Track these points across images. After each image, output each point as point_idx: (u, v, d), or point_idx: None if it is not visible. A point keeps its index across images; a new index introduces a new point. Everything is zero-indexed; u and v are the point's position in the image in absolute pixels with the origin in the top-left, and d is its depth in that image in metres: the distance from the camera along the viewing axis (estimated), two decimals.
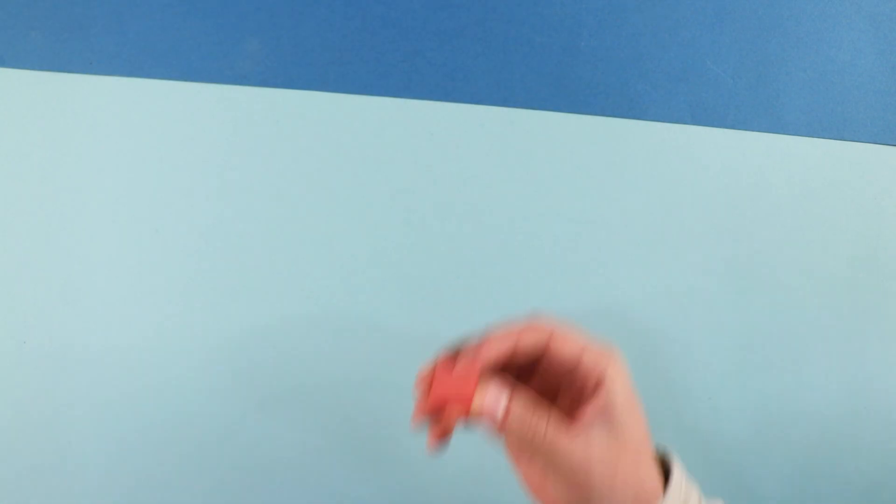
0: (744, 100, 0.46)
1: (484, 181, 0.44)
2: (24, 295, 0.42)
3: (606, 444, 0.31)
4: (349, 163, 0.44)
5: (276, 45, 0.44)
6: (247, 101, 0.44)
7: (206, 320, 0.43)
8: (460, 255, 0.44)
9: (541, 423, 0.30)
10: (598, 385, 0.32)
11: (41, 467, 0.42)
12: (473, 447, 0.44)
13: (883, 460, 0.45)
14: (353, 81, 0.44)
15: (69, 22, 0.43)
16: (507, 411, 0.30)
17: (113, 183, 0.43)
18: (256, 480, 0.43)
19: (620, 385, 0.32)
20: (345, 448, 0.44)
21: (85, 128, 0.43)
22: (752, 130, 0.46)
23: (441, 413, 0.31)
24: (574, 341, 0.33)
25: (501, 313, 0.42)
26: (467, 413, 0.30)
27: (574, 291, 0.44)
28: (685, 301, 0.45)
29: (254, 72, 0.44)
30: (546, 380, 0.34)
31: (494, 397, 0.30)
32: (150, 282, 0.43)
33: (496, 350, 0.31)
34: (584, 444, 0.31)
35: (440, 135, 0.44)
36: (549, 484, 0.33)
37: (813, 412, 0.45)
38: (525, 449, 0.31)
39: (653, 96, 0.45)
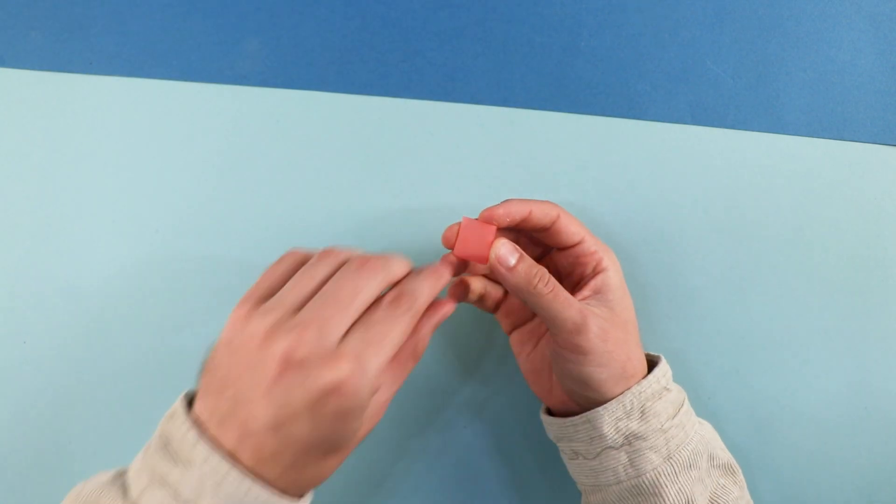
0: (744, 100, 0.46)
1: (484, 181, 0.44)
2: (24, 295, 0.42)
3: (600, 311, 0.35)
4: (349, 163, 0.44)
5: (276, 45, 0.44)
6: (247, 101, 0.44)
7: (206, 319, 0.43)
8: None
9: (543, 273, 0.34)
10: (595, 271, 0.36)
11: (41, 467, 0.42)
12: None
13: (883, 460, 0.45)
14: (353, 81, 0.44)
15: (69, 22, 0.43)
16: (519, 260, 0.34)
17: (113, 183, 0.43)
18: None
19: (614, 272, 0.37)
20: None
21: (85, 128, 0.43)
22: (752, 130, 0.46)
23: (465, 263, 0.36)
24: (579, 224, 0.37)
25: None
26: (485, 260, 0.35)
27: None
28: (685, 301, 0.45)
29: (254, 72, 0.44)
30: (549, 266, 0.38)
31: (508, 249, 0.34)
32: (150, 282, 0.43)
33: (514, 210, 0.35)
34: (581, 303, 0.35)
35: (440, 135, 0.44)
36: (546, 366, 0.38)
37: (813, 412, 0.45)
38: (527, 299, 0.34)
39: (653, 96, 0.45)
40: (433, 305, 0.33)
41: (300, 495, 0.30)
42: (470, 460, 0.44)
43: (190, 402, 0.31)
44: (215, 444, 0.28)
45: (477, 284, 0.38)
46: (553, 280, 0.34)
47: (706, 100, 0.45)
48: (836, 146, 0.46)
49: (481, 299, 0.39)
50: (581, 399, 0.36)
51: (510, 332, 0.40)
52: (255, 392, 0.28)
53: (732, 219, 0.45)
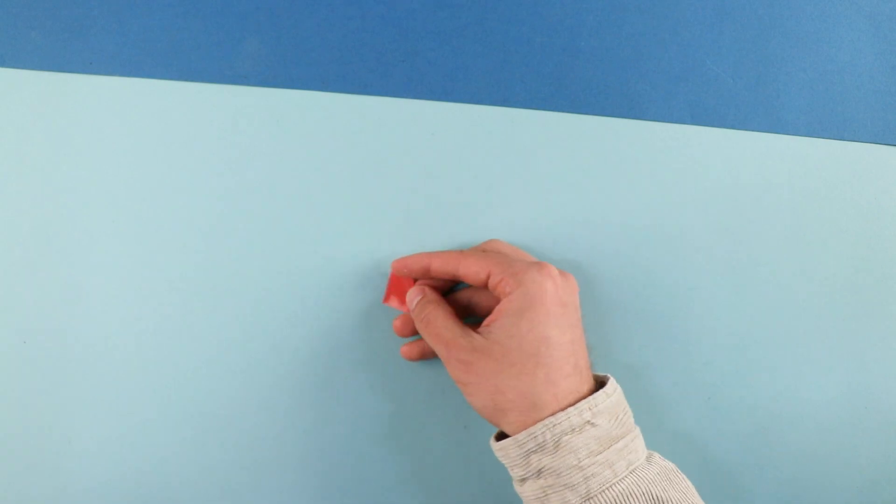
0: (744, 100, 0.46)
1: (484, 181, 0.44)
2: (24, 295, 0.42)
3: (471, 342, 0.35)
4: (349, 163, 0.44)
5: (276, 45, 0.44)
6: (247, 101, 0.44)
7: (206, 320, 0.43)
8: None
9: (435, 312, 0.37)
10: (500, 298, 0.36)
11: (41, 467, 0.42)
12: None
13: (883, 460, 0.45)
14: (353, 81, 0.44)
15: (69, 22, 0.43)
16: (417, 304, 0.39)
17: (113, 183, 0.43)
18: (262, 477, 0.43)
19: (517, 296, 0.34)
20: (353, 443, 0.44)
21: (85, 128, 0.43)
22: (752, 130, 0.46)
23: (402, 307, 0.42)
24: (481, 262, 0.37)
25: None
26: (405, 305, 0.41)
27: None
28: (685, 301, 0.45)
29: (254, 72, 0.44)
30: (486, 302, 0.41)
31: (412, 295, 0.40)
32: (151, 282, 0.43)
33: (410, 263, 0.40)
34: (453, 335, 0.36)
35: (440, 135, 0.44)
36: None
37: (813, 412, 0.45)
38: (428, 335, 0.38)
39: (653, 96, 0.45)
40: None
41: None
42: (470, 460, 0.44)
43: None
44: None
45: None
46: (433, 312, 0.38)
47: (706, 100, 0.45)
48: (836, 146, 0.46)
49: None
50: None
51: None
52: None
53: (732, 219, 0.45)
